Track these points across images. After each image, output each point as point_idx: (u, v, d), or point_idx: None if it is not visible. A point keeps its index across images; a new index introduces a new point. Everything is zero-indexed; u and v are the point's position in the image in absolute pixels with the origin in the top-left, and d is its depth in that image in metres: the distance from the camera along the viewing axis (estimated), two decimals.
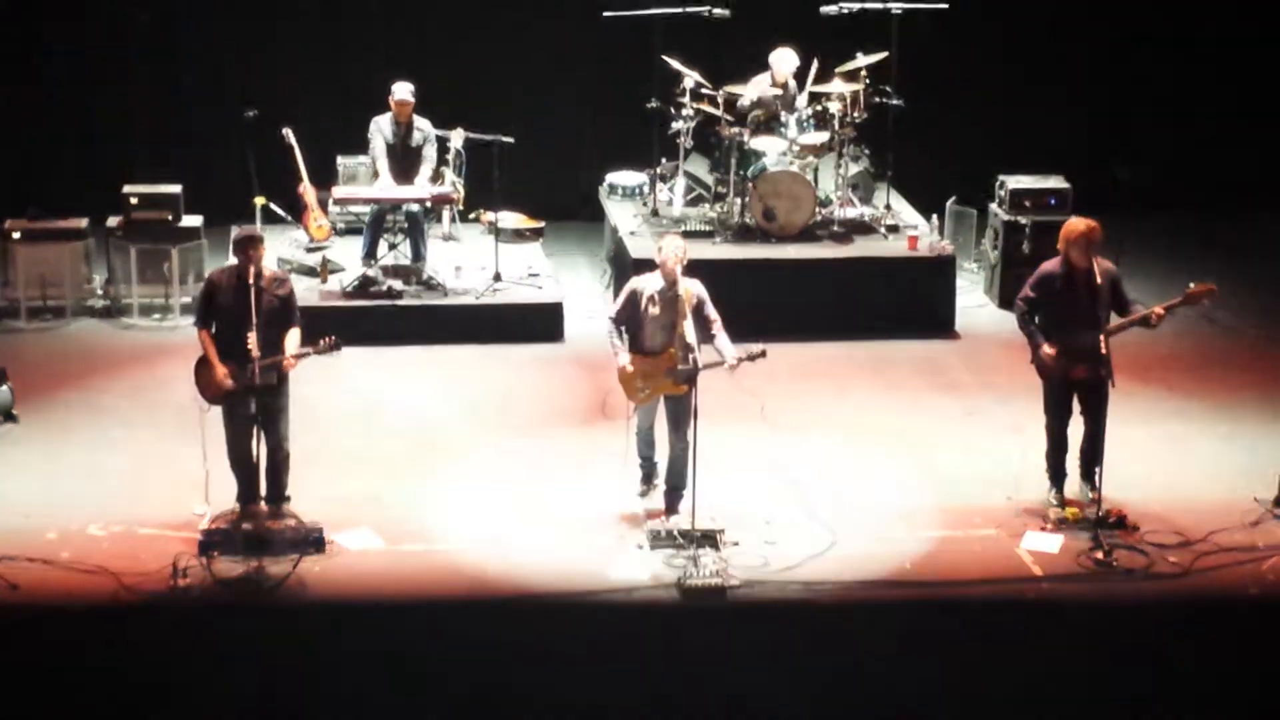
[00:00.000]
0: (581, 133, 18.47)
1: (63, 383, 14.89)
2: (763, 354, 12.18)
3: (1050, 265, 12.55)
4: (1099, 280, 12.32)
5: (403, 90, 15.95)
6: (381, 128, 16.04)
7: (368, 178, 16.37)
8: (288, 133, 16.65)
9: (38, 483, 13.03)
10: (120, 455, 13.52)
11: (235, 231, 12.33)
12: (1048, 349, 12.44)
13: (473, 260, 16.73)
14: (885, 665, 11.02)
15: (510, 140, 16.40)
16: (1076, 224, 12.43)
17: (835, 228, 16.80)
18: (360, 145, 16.38)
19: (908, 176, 17.64)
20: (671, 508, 12.50)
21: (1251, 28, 18.97)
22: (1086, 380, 12.49)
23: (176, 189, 16.55)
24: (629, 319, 12.45)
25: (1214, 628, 11.46)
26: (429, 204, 16.18)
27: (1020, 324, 12.63)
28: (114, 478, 13.14)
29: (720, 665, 11.00)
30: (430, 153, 16.12)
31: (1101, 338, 12.27)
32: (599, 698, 10.69)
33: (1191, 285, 12.40)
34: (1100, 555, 12.07)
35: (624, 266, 16.07)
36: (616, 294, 12.87)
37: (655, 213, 17.14)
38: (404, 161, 16.04)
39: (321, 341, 12.14)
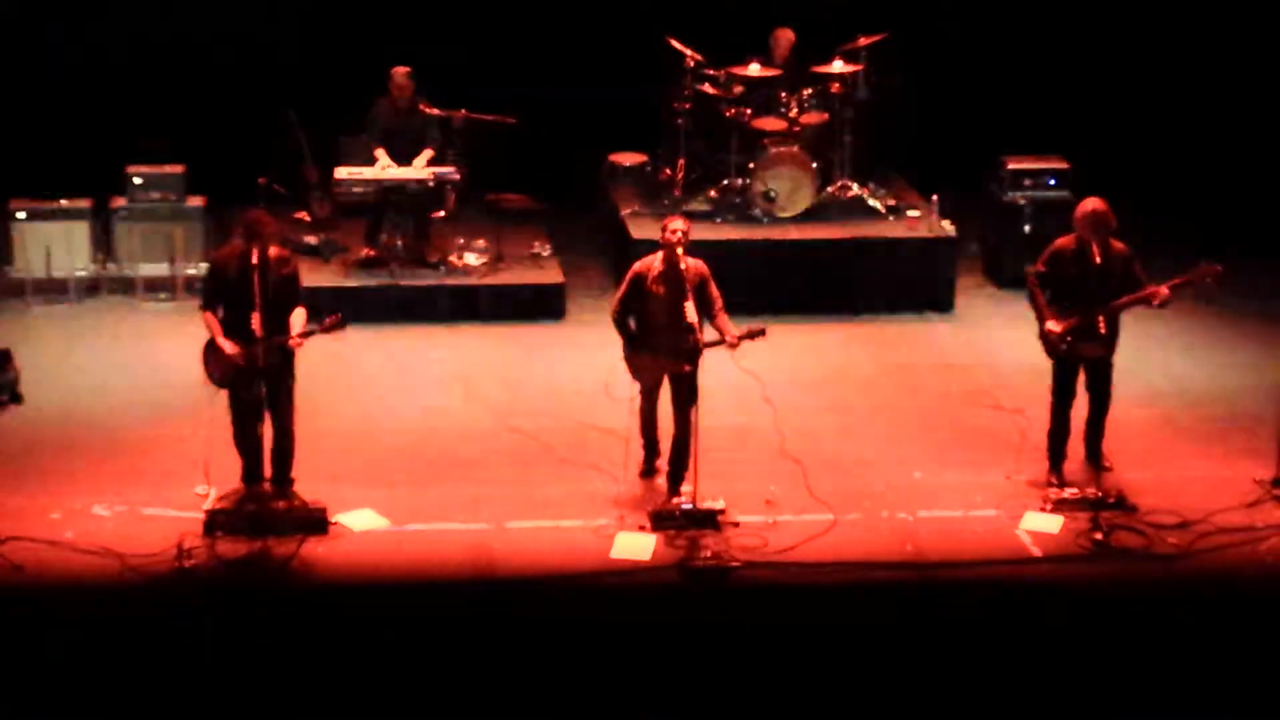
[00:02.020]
0: (583, 113, 18.47)
1: (67, 362, 14.94)
2: (762, 333, 12.26)
3: (1064, 241, 12.59)
4: (1111, 260, 12.36)
5: (399, 75, 16.00)
6: (381, 111, 16.09)
7: (370, 158, 16.39)
8: (290, 113, 16.70)
9: (42, 462, 13.07)
10: (124, 435, 13.56)
11: (244, 214, 12.34)
12: (1051, 326, 12.49)
13: (475, 240, 16.76)
14: (885, 646, 11.06)
15: (512, 121, 16.42)
16: (1088, 202, 12.47)
17: (835, 208, 16.83)
18: (363, 125, 16.41)
19: (908, 156, 17.67)
20: (673, 488, 12.56)
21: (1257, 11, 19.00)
22: (1091, 359, 12.56)
23: (180, 169, 16.59)
24: (634, 301, 12.49)
25: (1212, 608, 11.48)
26: (431, 184, 16.22)
27: (1030, 297, 12.67)
28: (118, 457, 13.18)
29: (721, 646, 11.04)
30: (434, 134, 16.17)
31: (1100, 318, 12.33)
32: (600, 678, 10.73)
33: (1198, 264, 12.46)
34: (1099, 536, 12.11)
35: (625, 247, 16.11)
36: (619, 275, 12.92)
37: (656, 193, 17.16)
38: (405, 143, 16.09)
39: (326, 319, 12.18)
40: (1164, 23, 18.94)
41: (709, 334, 12.30)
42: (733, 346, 12.30)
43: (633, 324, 12.50)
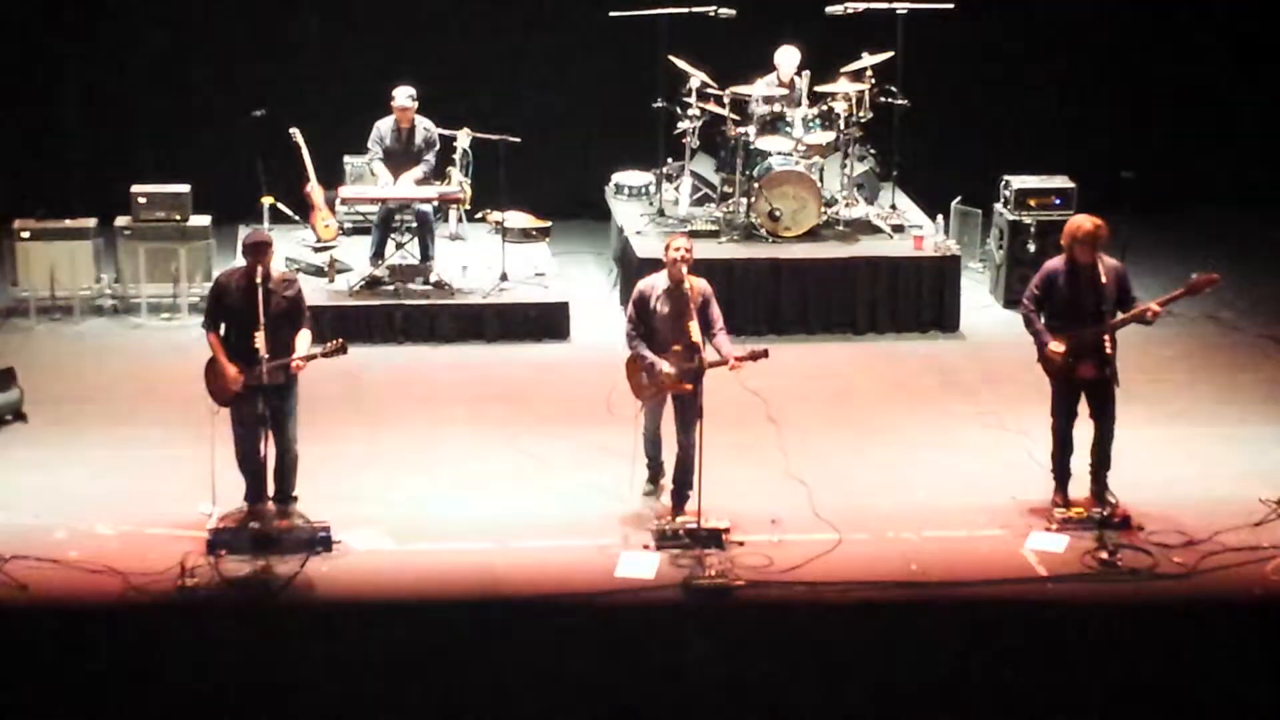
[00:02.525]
0: (588, 132, 18.49)
1: (71, 382, 14.93)
2: (764, 354, 12.23)
3: (1054, 263, 12.57)
4: (1104, 278, 12.33)
5: (402, 96, 16.02)
6: (382, 133, 16.13)
7: (374, 178, 16.42)
8: (295, 133, 16.72)
9: (46, 482, 13.06)
10: (128, 454, 13.55)
11: (244, 234, 12.36)
12: (1054, 347, 12.45)
13: (480, 260, 16.76)
14: (890, 665, 11.05)
15: (517, 140, 16.42)
16: (1080, 222, 12.45)
17: (840, 227, 16.83)
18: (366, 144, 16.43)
19: (913, 176, 17.68)
20: (678, 507, 12.54)
21: (1258, 24, 19.01)
22: (1092, 380, 12.52)
23: (185, 188, 16.60)
24: (641, 320, 12.48)
25: (1218, 628, 11.47)
26: (435, 203, 16.23)
27: (1026, 323, 12.65)
28: (122, 477, 13.17)
29: (725, 665, 11.02)
30: (429, 156, 16.15)
31: (1105, 336, 12.32)
32: (604, 697, 10.72)
33: (1194, 275, 12.43)
34: (1105, 555, 12.09)
35: (630, 266, 16.12)
36: (624, 294, 12.91)
37: (661, 212, 17.16)
38: (407, 164, 16.10)
39: (328, 344, 12.19)
40: (1166, 32, 18.98)
41: (711, 353, 12.28)
42: (734, 369, 12.28)
43: (647, 354, 12.43)
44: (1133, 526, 12.44)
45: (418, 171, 16.14)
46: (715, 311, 12.45)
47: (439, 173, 16.52)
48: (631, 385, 12.57)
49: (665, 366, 12.27)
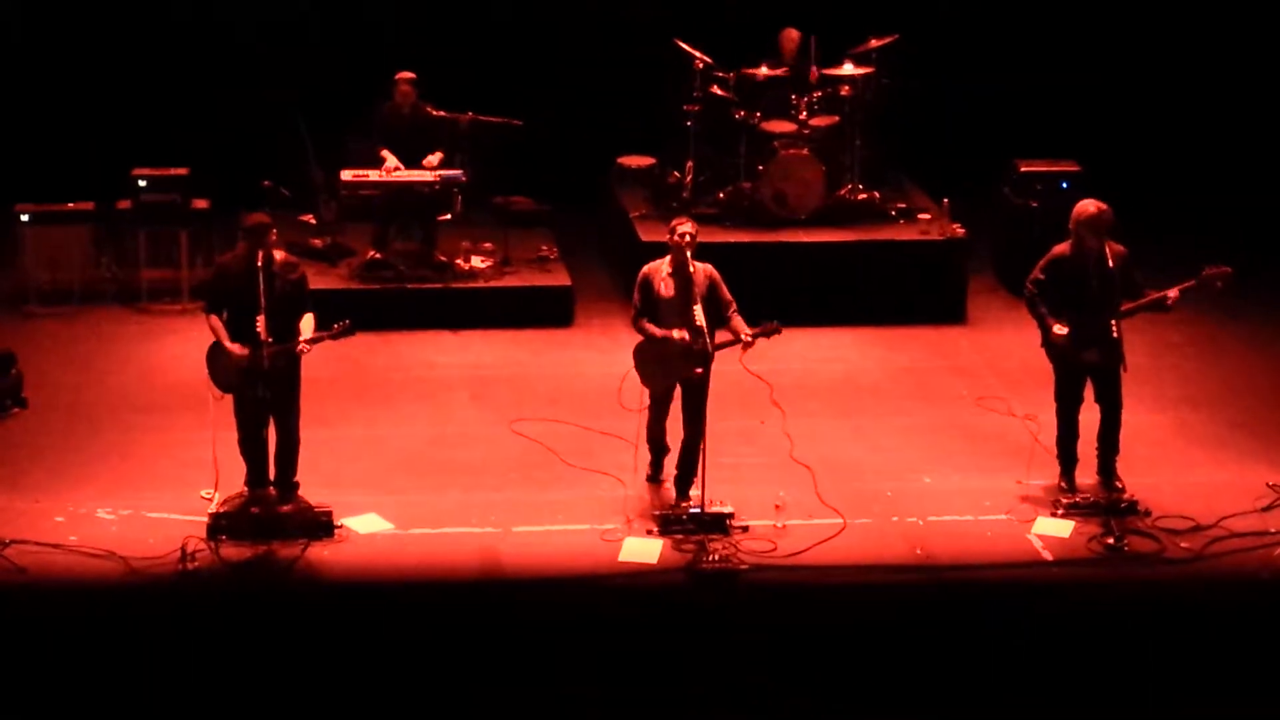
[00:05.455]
0: (590, 116, 18.42)
1: (71, 366, 14.90)
2: (777, 330, 12.16)
3: (1061, 248, 12.51)
4: (1110, 263, 12.28)
5: (404, 79, 15.98)
6: (384, 114, 16.06)
7: (377, 161, 16.35)
8: (299, 117, 16.64)
9: (46, 466, 13.04)
10: (129, 438, 13.53)
11: (244, 217, 12.29)
12: (1058, 331, 12.39)
13: (481, 244, 16.69)
14: (894, 650, 11.01)
15: (519, 123, 16.37)
16: (1087, 206, 12.39)
17: (845, 211, 16.75)
18: (370, 129, 16.37)
19: (919, 159, 17.61)
20: (682, 492, 12.49)
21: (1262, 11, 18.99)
22: (1098, 365, 12.46)
23: (184, 172, 16.53)
24: (647, 304, 12.41)
25: (1225, 613, 11.43)
26: (437, 187, 16.17)
27: (1030, 307, 12.59)
28: (122, 461, 13.15)
29: (729, 650, 10.99)
30: (436, 138, 16.08)
31: (1113, 321, 12.26)
32: (607, 682, 10.68)
33: (1205, 268, 12.38)
34: (1111, 540, 12.06)
35: (633, 250, 16.04)
36: (625, 278, 12.86)
37: (665, 196, 17.09)
38: (410, 147, 16.04)
39: (335, 326, 12.13)
40: (1169, 25, 18.92)
41: (720, 336, 12.23)
42: (748, 345, 12.19)
43: (654, 329, 12.35)
44: (1139, 511, 12.42)
45: (433, 158, 16.07)
46: (726, 294, 12.37)
47: (449, 157, 16.44)
48: (641, 374, 12.50)
49: (677, 334, 12.17)
